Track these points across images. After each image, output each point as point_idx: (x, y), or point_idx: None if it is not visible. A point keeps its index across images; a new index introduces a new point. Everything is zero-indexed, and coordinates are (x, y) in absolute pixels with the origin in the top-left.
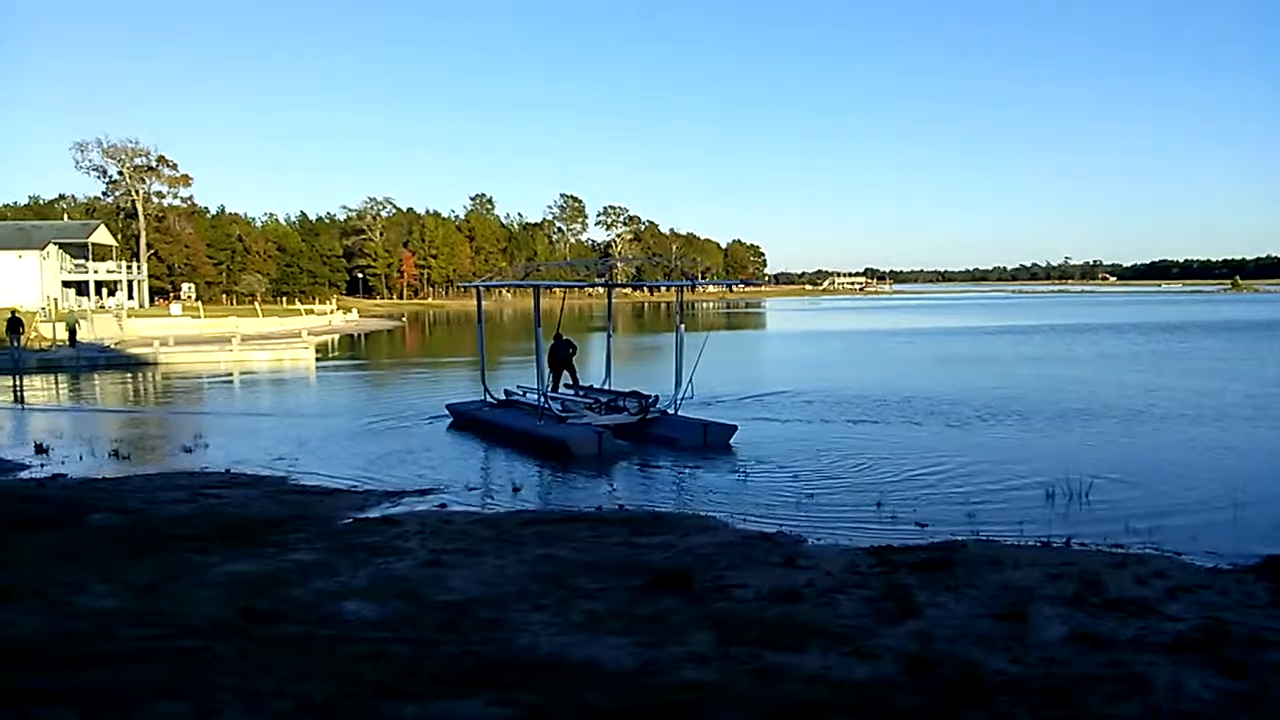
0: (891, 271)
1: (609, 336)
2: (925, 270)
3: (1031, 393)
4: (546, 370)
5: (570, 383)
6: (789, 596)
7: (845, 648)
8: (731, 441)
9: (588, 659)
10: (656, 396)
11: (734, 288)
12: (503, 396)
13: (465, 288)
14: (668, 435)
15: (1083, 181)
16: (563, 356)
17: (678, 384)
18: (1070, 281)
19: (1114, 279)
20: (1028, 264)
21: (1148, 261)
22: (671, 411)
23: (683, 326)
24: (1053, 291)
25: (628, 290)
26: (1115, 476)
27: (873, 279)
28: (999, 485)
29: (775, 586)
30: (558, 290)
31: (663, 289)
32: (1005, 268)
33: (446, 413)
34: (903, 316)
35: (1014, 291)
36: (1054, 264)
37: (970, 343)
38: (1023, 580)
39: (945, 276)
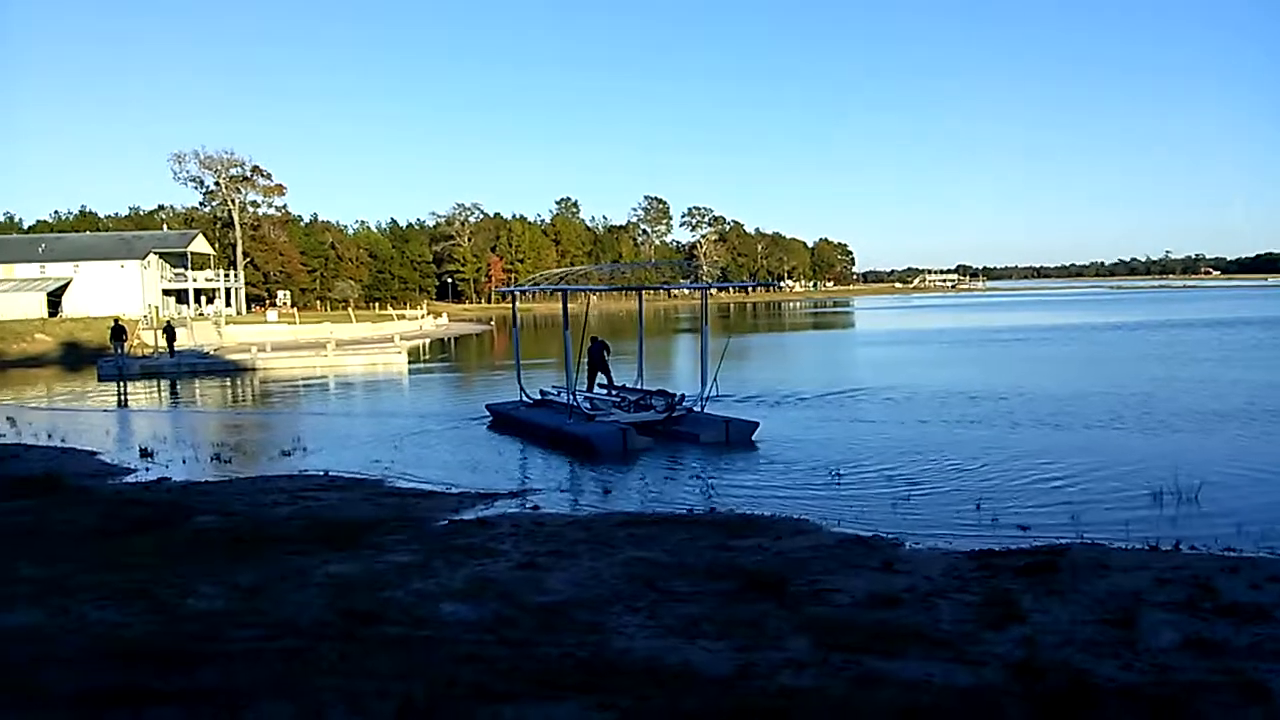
0: (984, 268)
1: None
2: (1019, 267)
3: (1136, 391)
4: (583, 371)
5: (605, 382)
6: (887, 601)
7: (947, 654)
8: (754, 437)
9: (684, 663)
10: (683, 395)
11: (751, 290)
12: (538, 396)
13: (503, 294)
14: (691, 432)
15: (1183, 174)
16: (597, 357)
17: (703, 383)
18: (1171, 276)
19: (1217, 273)
20: (1126, 259)
21: (1253, 255)
22: (698, 409)
23: (708, 328)
24: (1153, 287)
25: (714, 291)
26: (1227, 478)
27: (965, 276)
28: (1104, 487)
29: (873, 591)
30: (647, 293)
31: (729, 290)
32: (1103, 263)
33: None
34: (998, 314)
35: (1113, 288)
36: (1154, 259)
37: (1070, 340)
38: (1131, 585)
39: (1040, 273)
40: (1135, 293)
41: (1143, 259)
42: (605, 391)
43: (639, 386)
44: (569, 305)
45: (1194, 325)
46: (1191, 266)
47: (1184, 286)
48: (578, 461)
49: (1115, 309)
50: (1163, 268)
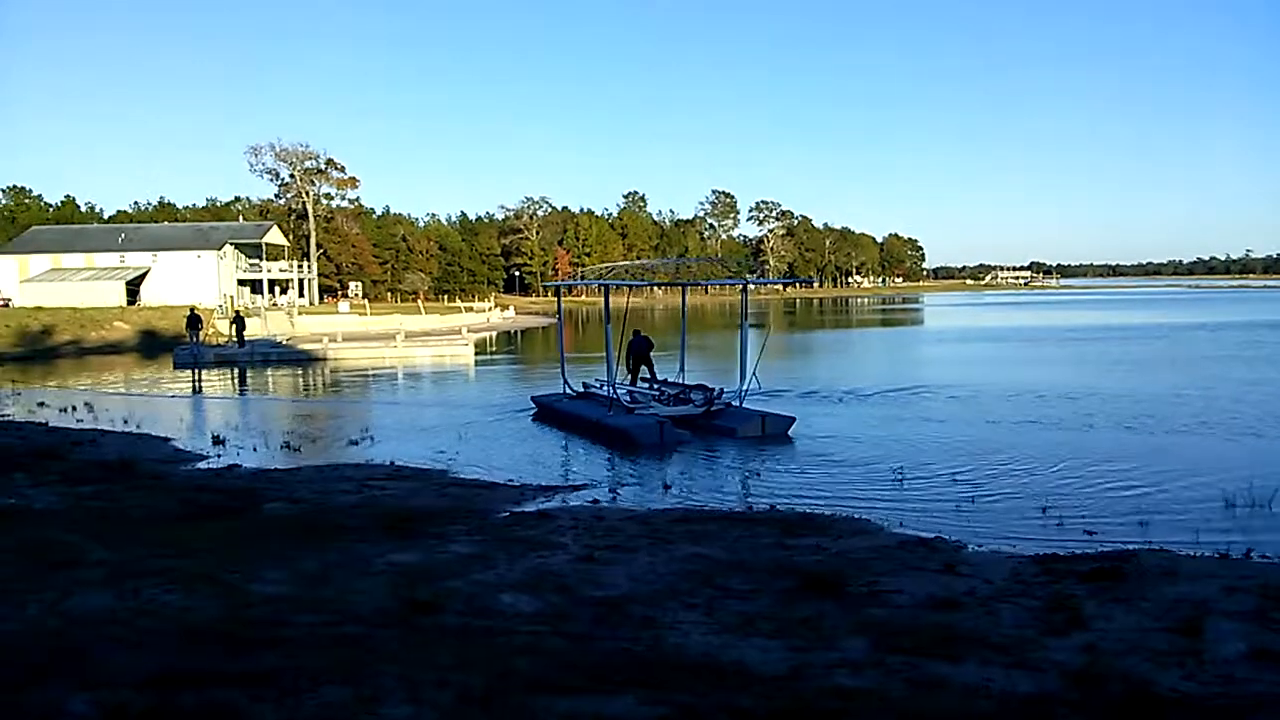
0: (1058, 265)
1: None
2: (1094, 264)
3: (1215, 394)
4: (625, 365)
5: (647, 376)
6: (947, 604)
7: (1007, 659)
8: (791, 432)
9: (738, 661)
10: (721, 390)
11: (787, 286)
12: (581, 389)
13: (546, 287)
14: (728, 426)
15: (1264, 170)
16: (640, 351)
17: (742, 377)
18: (1252, 276)
19: None
20: (1205, 257)
21: None
22: (736, 404)
23: (747, 323)
24: (1233, 287)
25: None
26: None
27: (1038, 273)
28: (1176, 492)
29: (933, 594)
30: (705, 288)
31: (786, 286)
32: (1181, 261)
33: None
34: (1072, 312)
35: (1190, 287)
36: (1234, 257)
37: (1147, 340)
38: (1198, 593)
39: (1116, 271)
40: (1215, 292)
41: (1222, 257)
42: (647, 385)
43: (680, 381)
44: (630, 299)
45: (1278, 327)
46: (1274, 266)
47: (1264, 286)
48: (619, 454)
49: (1195, 309)
50: (1243, 266)
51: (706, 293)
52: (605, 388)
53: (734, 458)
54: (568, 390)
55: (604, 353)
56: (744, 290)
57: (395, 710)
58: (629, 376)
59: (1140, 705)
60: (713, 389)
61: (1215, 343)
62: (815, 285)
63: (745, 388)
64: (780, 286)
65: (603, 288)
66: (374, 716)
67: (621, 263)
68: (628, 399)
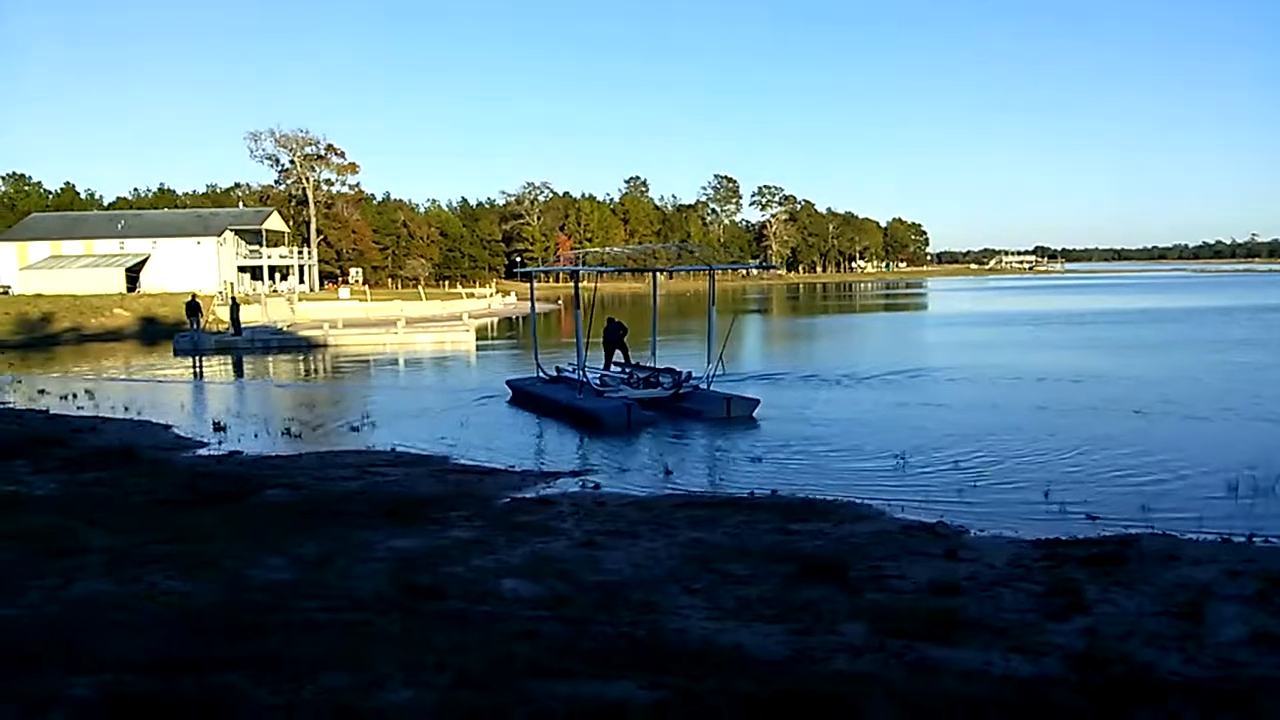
0: (1063, 250)
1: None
2: (1099, 248)
3: (1220, 378)
4: (586, 350)
5: (621, 360)
6: (948, 589)
7: (1007, 643)
8: (755, 414)
9: (738, 645)
10: (690, 373)
11: (750, 272)
12: (554, 373)
13: (520, 274)
14: (695, 408)
15: (1271, 153)
16: (614, 337)
17: (709, 361)
18: (1258, 260)
19: None
20: (1211, 241)
21: None
22: (704, 387)
23: (714, 309)
24: (1238, 270)
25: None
26: None
27: (1043, 258)
28: (1179, 477)
29: (934, 578)
30: (723, 273)
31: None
32: (1187, 245)
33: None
34: (1078, 297)
35: (1196, 270)
36: (1239, 241)
37: (1153, 325)
38: (1200, 577)
39: (1121, 255)
40: (1221, 276)
41: (1228, 241)
42: (620, 369)
43: (652, 365)
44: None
45: None
46: (1279, 249)
47: (1269, 270)
48: (589, 435)
49: (1201, 292)
50: (1249, 250)
51: (655, 280)
52: (576, 371)
53: (737, 443)
54: (541, 374)
55: (593, 338)
56: (710, 276)
57: (394, 694)
58: (604, 361)
59: (1141, 688)
60: (680, 372)
61: (1220, 327)
62: (778, 272)
63: (712, 371)
64: (783, 271)
65: (581, 274)
66: (373, 701)
67: (593, 249)
68: (598, 383)
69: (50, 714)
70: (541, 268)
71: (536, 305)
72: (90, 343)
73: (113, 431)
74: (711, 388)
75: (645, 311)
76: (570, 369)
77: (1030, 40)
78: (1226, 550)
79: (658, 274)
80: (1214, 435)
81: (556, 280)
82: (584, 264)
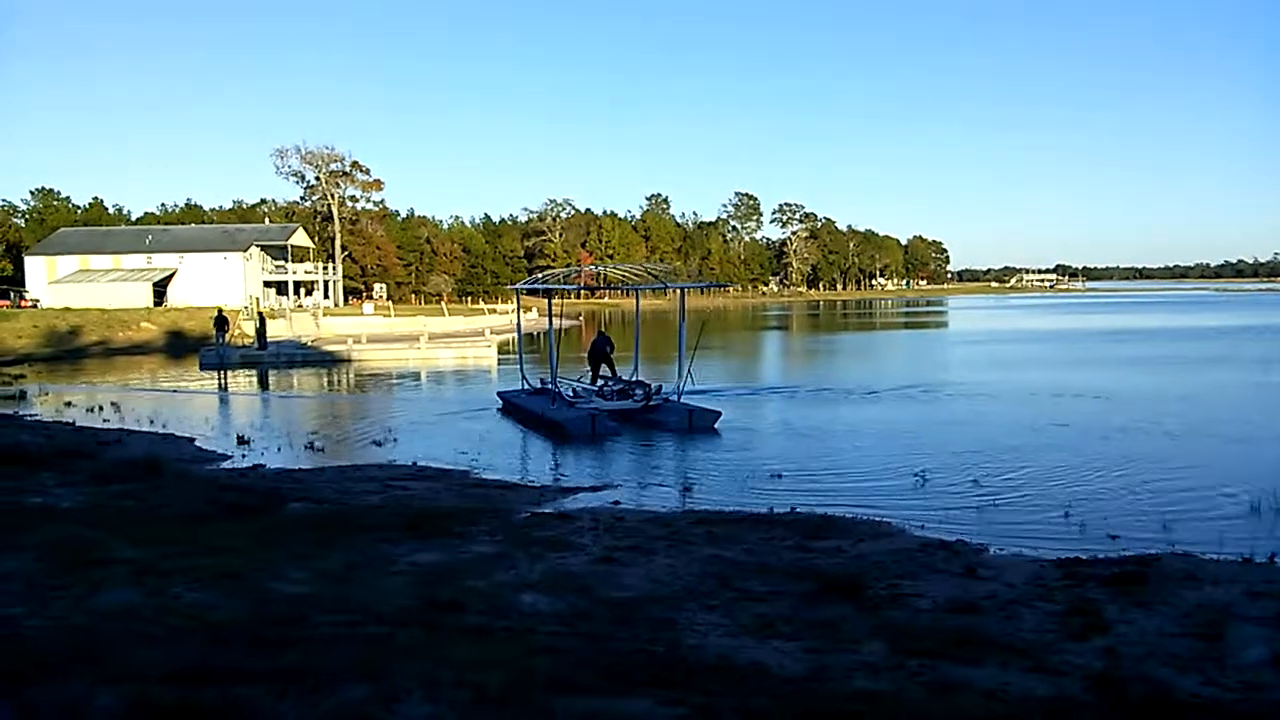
0: (1084, 268)
1: (680, 333)
2: (1120, 267)
3: (1244, 397)
4: (559, 363)
5: (607, 374)
6: (967, 608)
7: (1026, 663)
8: (717, 425)
9: (756, 663)
10: (659, 385)
11: (705, 290)
12: (538, 385)
13: (510, 291)
14: (659, 419)
15: None
16: (600, 351)
17: (679, 375)
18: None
19: None
20: (1233, 260)
21: None
22: (674, 399)
23: (684, 324)
24: (1262, 290)
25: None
26: None
27: (1064, 276)
28: (1201, 497)
29: (953, 597)
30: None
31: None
32: (1209, 264)
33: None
34: (1099, 316)
35: (1219, 289)
36: (1262, 260)
37: (1177, 344)
38: (1221, 598)
39: (1142, 273)
40: (1243, 295)
41: (1250, 260)
42: (605, 382)
43: (634, 379)
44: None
45: None
46: None
47: None
48: (556, 443)
49: (1224, 311)
50: (1271, 269)
51: (638, 298)
52: (563, 385)
53: (756, 460)
54: (526, 385)
55: (616, 353)
56: (682, 295)
57: (414, 709)
58: (590, 375)
59: (1160, 709)
60: (650, 385)
61: (1245, 346)
62: (727, 290)
63: (682, 384)
64: (804, 289)
65: (561, 292)
66: (393, 715)
67: (574, 267)
68: (570, 394)
69: None
70: (527, 285)
71: (558, 322)
72: (117, 356)
73: (138, 444)
74: (681, 400)
75: (669, 328)
76: (567, 382)
77: (1053, 59)
78: (1248, 571)
79: (638, 292)
80: (1236, 454)
81: (576, 297)
82: (547, 283)
